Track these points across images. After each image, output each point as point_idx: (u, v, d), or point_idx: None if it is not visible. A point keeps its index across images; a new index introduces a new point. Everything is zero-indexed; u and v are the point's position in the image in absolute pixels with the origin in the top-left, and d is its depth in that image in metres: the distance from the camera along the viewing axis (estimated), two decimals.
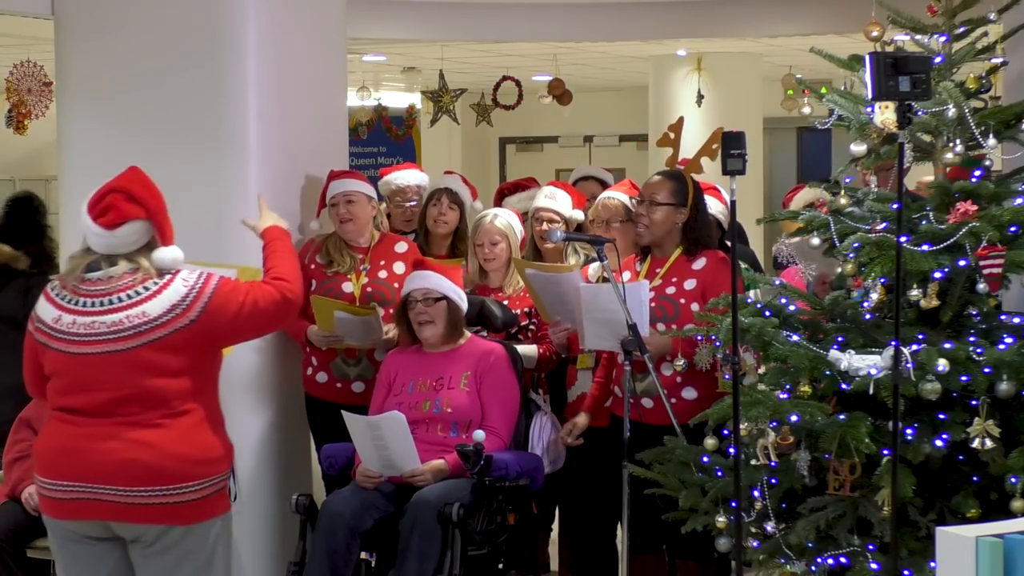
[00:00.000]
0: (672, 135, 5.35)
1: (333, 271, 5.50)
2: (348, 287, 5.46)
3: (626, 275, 5.13)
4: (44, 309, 4.08)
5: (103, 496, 3.95)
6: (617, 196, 5.49)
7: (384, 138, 15.18)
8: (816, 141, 15.94)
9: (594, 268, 5.28)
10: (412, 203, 6.37)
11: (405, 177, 6.53)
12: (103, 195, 4.07)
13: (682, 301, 4.98)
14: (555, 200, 5.79)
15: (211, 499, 4.05)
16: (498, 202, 6.44)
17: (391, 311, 5.39)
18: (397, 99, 15.34)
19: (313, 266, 5.50)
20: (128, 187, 4.07)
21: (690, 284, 5.00)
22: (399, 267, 5.57)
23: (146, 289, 4.01)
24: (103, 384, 3.98)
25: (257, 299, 4.13)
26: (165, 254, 4.07)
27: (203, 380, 4.10)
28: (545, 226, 5.68)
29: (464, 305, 5.24)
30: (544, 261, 5.68)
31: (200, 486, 4.00)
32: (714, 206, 5.46)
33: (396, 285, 5.48)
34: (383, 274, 5.54)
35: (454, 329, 5.20)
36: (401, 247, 5.66)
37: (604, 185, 6.75)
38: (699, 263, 5.04)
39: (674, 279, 5.04)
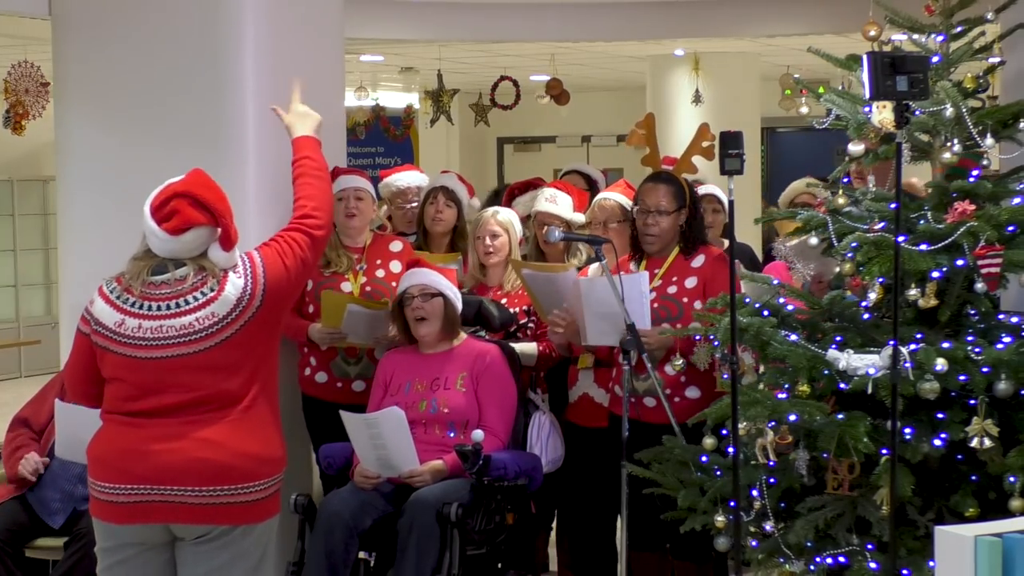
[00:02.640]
0: (643, 132, 5.31)
1: (331, 271, 5.50)
2: (347, 287, 5.46)
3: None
4: (104, 312, 4.01)
5: (169, 497, 3.91)
6: (613, 197, 5.49)
7: (382, 138, 15.20)
8: (783, 142, 15.99)
9: (594, 268, 5.28)
10: (413, 204, 6.38)
11: (406, 179, 6.53)
12: (167, 199, 3.98)
13: (684, 300, 4.99)
14: (556, 204, 5.78)
15: (272, 499, 4.05)
16: (508, 201, 6.45)
17: None
18: (395, 99, 15.36)
19: None
20: (193, 191, 3.99)
21: (691, 282, 5.01)
22: (395, 266, 5.57)
23: (211, 290, 3.97)
24: (174, 388, 3.94)
25: (294, 251, 4.11)
26: (221, 253, 4.00)
27: (267, 373, 4.09)
28: (544, 229, 5.68)
29: (459, 304, 5.24)
30: (547, 263, 5.67)
31: (264, 485, 4.00)
32: None
33: (394, 284, 5.48)
34: (380, 273, 5.54)
35: (450, 327, 5.20)
36: (396, 246, 5.66)
37: (589, 180, 6.75)
38: (697, 260, 5.06)
39: (674, 278, 5.04)
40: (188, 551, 4.00)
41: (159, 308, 3.97)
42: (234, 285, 3.99)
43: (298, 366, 5.53)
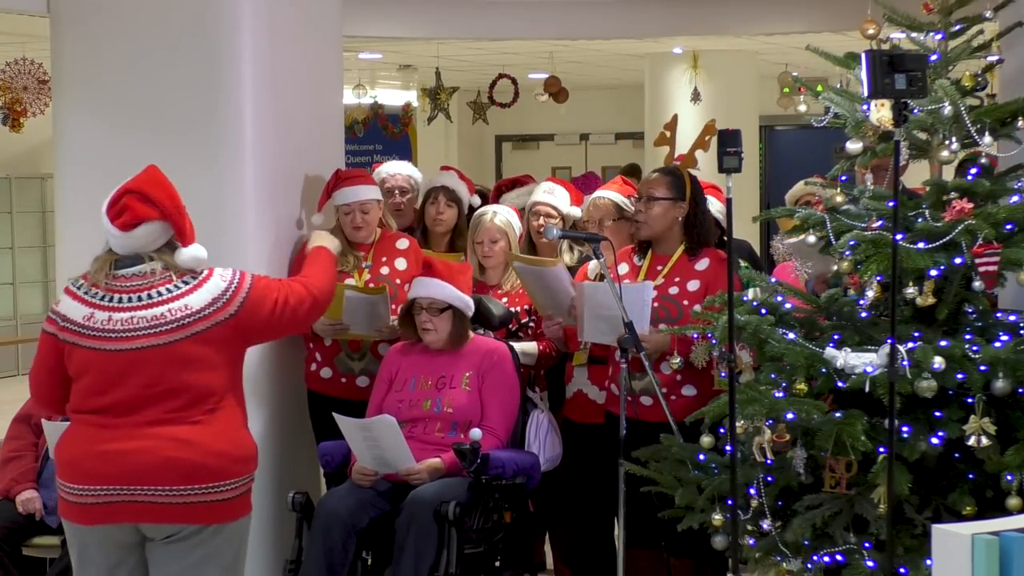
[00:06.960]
0: (668, 133, 5.35)
1: (338, 270, 5.49)
2: (351, 283, 5.46)
3: (623, 268, 5.13)
4: (71, 308, 4.05)
5: (139, 497, 3.92)
6: (608, 195, 5.48)
7: (380, 136, 15.20)
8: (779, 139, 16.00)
9: (593, 266, 5.28)
10: (396, 194, 6.28)
11: (388, 168, 6.47)
12: (119, 196, 4.07)
13: (685, 303, 4.95)
14: (553, 195, 5.80)
15: (243, 497, 4.06)
16: (496, 198, 6.43)
17: (396, 308, 5.39)
18: (393, 97, 15.35)
19: None
20: (143, 188, 4.08)
21: (693, 285, 4.99)
22: (401, 263, 5.57)
23: (185, 283, 4.03)
24: (140, 379, 3.96)
25: (288, 296, 4.20)
26: (185, 253, 4.07)
27: (236, 377, 4.12)
28: (542, 221, 5.69)
29: (470, 311, 5.22)
30: (538, 255, 5.67)
31: (235, 484, 4.01)
32: (714, 205, 5.45)
33: (398, 281, 5.48)
34: (385, 270, 5.54)
35: (458, 336, 5.19)
36: (402, 243, 5.65)
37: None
38: (702, 264, 5.03)
39: (677, 279, 5.02)
40: (159, 551, 4.02)
41: (129, 300, 4.01)
42: (215, 284, 4.05)
43: (304, 362, 5.53)
